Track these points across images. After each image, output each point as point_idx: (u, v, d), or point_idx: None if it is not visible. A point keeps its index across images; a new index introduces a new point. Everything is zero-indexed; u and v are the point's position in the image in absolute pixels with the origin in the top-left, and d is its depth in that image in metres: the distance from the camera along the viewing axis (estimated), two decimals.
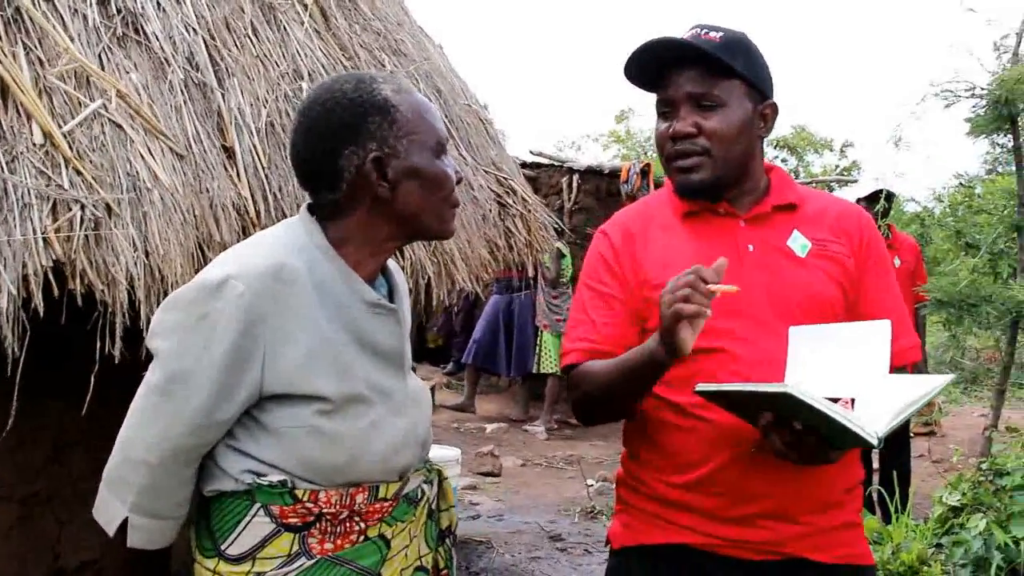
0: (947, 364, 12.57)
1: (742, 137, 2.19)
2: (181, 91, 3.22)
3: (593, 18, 50.00)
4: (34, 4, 3.07)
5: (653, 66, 2.22)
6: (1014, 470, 5.12)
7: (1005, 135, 6.30)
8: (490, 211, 4.05)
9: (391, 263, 2.06)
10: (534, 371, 10.33)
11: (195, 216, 3.01)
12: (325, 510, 1.82)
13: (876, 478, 6.02)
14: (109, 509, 1.87)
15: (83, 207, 2.79)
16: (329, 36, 3.84)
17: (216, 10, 3.51)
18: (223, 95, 3.33)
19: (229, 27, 3.51)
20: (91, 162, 2.91)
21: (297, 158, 1.92)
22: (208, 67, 3.36)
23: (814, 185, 12.99)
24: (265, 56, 3.54)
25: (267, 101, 3.41)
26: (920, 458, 7.70)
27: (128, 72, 3.16)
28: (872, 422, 1.83)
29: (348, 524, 1.84)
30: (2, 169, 2.76)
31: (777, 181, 2.30)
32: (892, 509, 5.47)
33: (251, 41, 3.53)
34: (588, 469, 8.32)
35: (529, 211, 4.30)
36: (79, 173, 2.86)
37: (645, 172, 10.91)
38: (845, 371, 1.98)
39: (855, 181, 13.48)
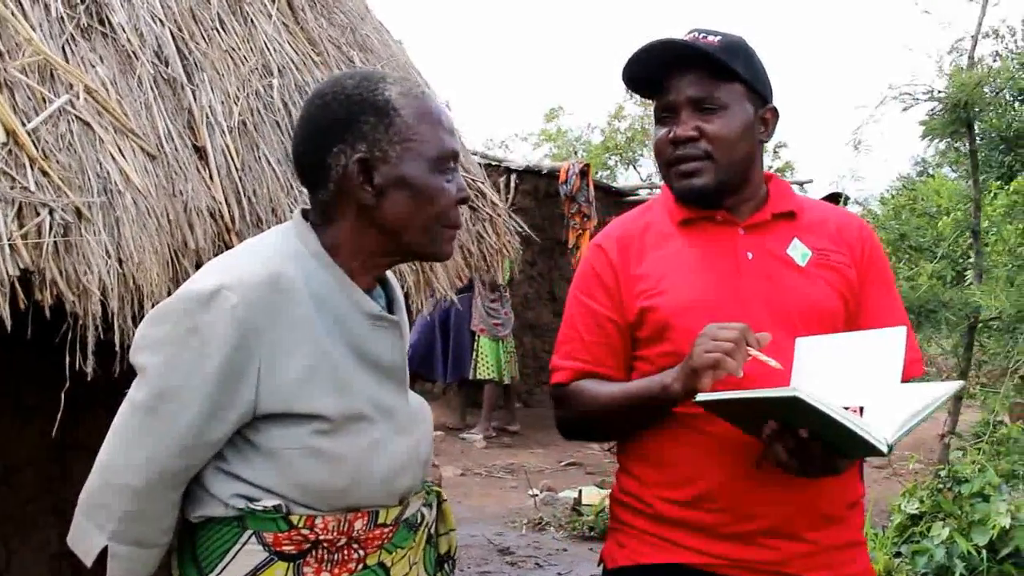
0: None
1: (744, 141, 2.19)
2: (150, 87, 3.09)
3: (519, 14, 50.07)
4: None
5: (653, 70, 2.21)
6: (972, 478, 5.23)
7: (959, 139, 6.45)
8: (462, 215, 3.98)
9: (388, 273, 1.98)
10: (471, 377, 10.27)
11: (169, 221, 2.89)
12: (322, 537, 1.74)
13: None
14: (87, 538, 1.77)
15: (51, 211, 2.65)
16: (298, 30, 3.73)
17: (182, 1, 3.38)
18: (193, 91, 3.20)
19: (196, 19, 3.38)
20: (58, 162, 2.76)
21: (293, 151, 1.89)
22: (177, 61, 3.23)
23: None
24: (233, 50, 3.42)
25: (238, 98, 3.29)
26: (874, 467, 7.85)
27: (94, 65, 3.01)
28: (881, 429, 1.82)
29: (346, 552, 1.76)
30: None
31: (775, 189, 2.31)
32: None
33: (219, 34, 3.41)
34: (531, 479, 8.30)
35: (498, 215, 4.24)
36: (46, 174, 2.71)
37: (584, 172, 10.95)
38: (854, 379, 1.98)
39: (809, 181, 13.73)
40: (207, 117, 3.18)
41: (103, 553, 1.75)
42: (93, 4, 3.14)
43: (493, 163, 11.50)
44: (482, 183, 4.26)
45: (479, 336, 10.23)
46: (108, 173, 2.82)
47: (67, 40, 3.02)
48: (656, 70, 2.20)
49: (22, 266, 2.59)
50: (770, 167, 19.68)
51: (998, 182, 9.37)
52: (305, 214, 1.87)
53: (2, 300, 2.55)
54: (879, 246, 2.33)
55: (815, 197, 6.78)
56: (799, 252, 2.21)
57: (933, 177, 14.27)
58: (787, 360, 2.03)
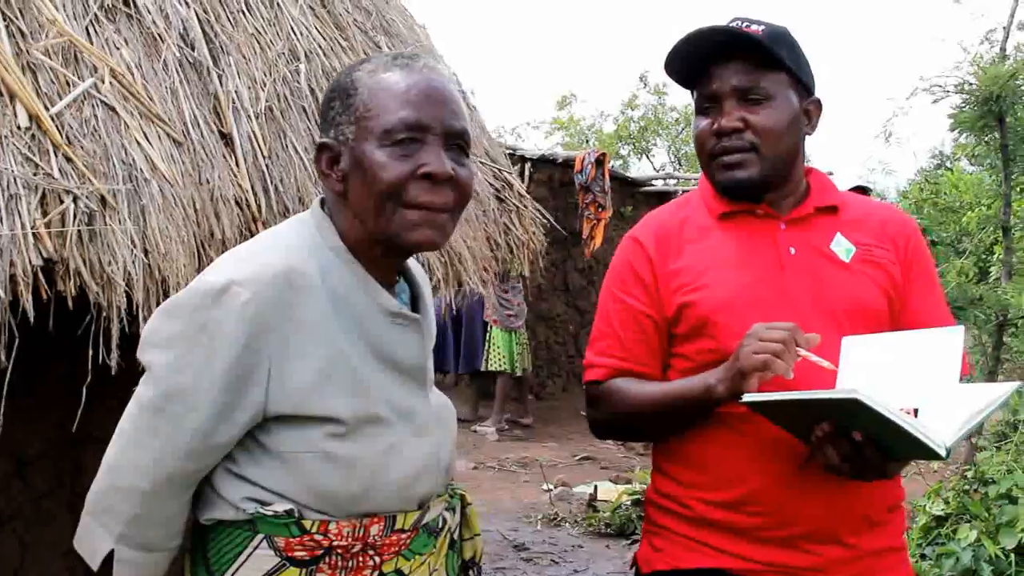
0: None
1: (790, 133, 2.15)
2: (176, 70, 3.02)
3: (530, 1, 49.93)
4: None
5: (696, 59, 2.16)
6: (1000, 479, 5.16)
7: (989, 132, 6.38)
8: (490, 206, 3.92)
9: (414, 266, 1.91)
10: (482, 368, 10.21)
11: (196, 210, 2.82)
12: (336, 543, 1.66)
13: None
14: (93, 540, 1.71)
15: (75, 199, 2.58)
16: (324, 14, 3.66)
17: None
18: (219, 76, 3.13)
19: (222, 1, 3.31)
20: (83, 148, 2.69)
21: None
22: (203, 44, 3.15)
23: None
24: (260, 33, 3.35)
25: (264, 84, 3.22)
26: None
27: (119, 48, 2.94)
28: (939, 432, 1.76)
29: (361, 558, 1.68)
30: None
31: (816, 183, 2.26)
32: None
33: (245, 17, 3.34)
34: (545, 473, 8.26)
35: (525, 206, 4.17)
36: (70, 161, 2.64)
37: (600, 162, 10.87)
38: (908, 380, 1.92)
39: (831, 173, 13.64)
40: (233, 102, 3.11)
41: (110, 555, 1.70)
42: None
43: (507, 152, 11.42)
44: (509, 173, 4.19)
45: (491, 327, 10.17)
46: (133, 160, 2.75)
47: (91, 21, 2.95)
48: (700, 59, 2.15)
49: (45, 255, 2.53)
50: None
51: None
52: (323, 203, 1.79)
53: (25, 290, 2.49)
54: (923, 242, 2.28)
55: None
56: (843, 248, 2.17)
57: (951, 171, 14.19)
58: (834, 359, 1.98)
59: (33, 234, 2.50)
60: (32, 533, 3.45)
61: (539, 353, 11.19)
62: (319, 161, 1.73)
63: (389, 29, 4.04)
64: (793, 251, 2.14)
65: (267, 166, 3.09)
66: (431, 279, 3.39)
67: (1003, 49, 6.22)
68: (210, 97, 3.11)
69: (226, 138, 3.06)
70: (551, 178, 11.39)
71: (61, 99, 2.74)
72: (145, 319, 2.64)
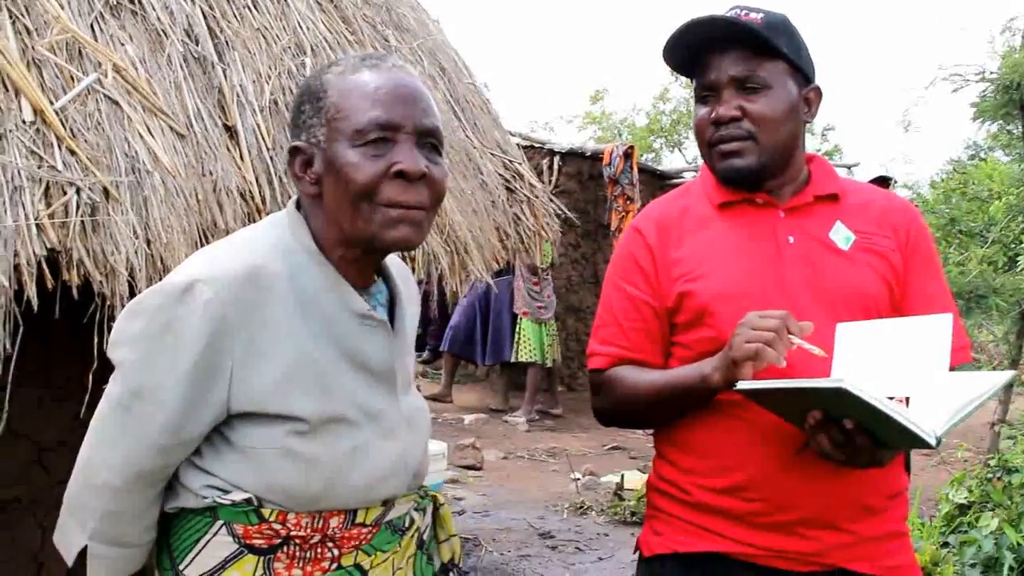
0: None
1: (788, 122, 2.13)
2: (180, 65, 3.05)
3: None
4: None
5: (694, 48, 2.15)
6: (1023, 467, 5.10)
7: (1011, 121, 6.29)
8: (499, 197, 3.92)
9: (395, 265, 1.90)
10: (512, 360, 10.21)
11: (198, 201, 2.85)
12: (294, 532, 1.65)
13: None
14: (68, 536, 1.73)
15: (79, 191, 2.62)
16: (331, 8, 3.68)
17: None
18: (224, 70, 3.16)
19: None
20: (86, 142, 2.73)
21: None
22: (207, 40, 3.18)
23: None
24: (266, 28, 3.37)
25: (269, 77, 3.24)
26: (923, 455, 7.70)
27: (123, 44, 2.98)
28: (929, 421, 1.74)
29: (320, 550, 1.68)
30: None
31: (818, 171, 2.24)
32: None
33: (251, 12, 3.36)
34: (573, 462, 8.25)
35: (536, 196, 4.17)
36: (73, 153, 2.68)
37: (628, 155, 10.84)
38: (900, 368, 1.90)
39: (856, 164, 13.52)
40: (238, 96, 3.13)
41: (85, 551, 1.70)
42: None
43: (536, 145, 11.43)
44: (519, 164, 4.19)
45: (521, 319, 10.17)
46: (136, 152, 2.79)
47: (96, 18, 2.99)
48: (697, 48, 2.14)
49: (49, 246, 2.57)
50: (818, 150, 19.46)
51: None
52: (299, 204, 1.78)
53: (30, 280, 2.53)
54: (926, 230, 2.24)
55: (863, 180, 6.67)
56: (842, 236, 2.14)
57: (985, 160, 13.99)
58: (830, 347, 1.96)
59: (37, 225, 2.54)
60: (51, 518, 3.48)
61: (569, 344, 11.18)
62: (292, 164, 1.72)
63: (400, 24, 4.06)
64: (792, 240, 2.12)
65: (271, 158, 3.12)
66: (436, 268, 3.40)
67: None
68: (214, 91, 3.14)
69: (230, 131, 3.08)
70: (580, 171, 11.37)
71: (65, 94, 2.78)
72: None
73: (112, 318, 2.68)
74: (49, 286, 2.59)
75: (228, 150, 3.03)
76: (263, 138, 3.12)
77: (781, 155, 2.13)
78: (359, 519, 1.71)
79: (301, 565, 1.67)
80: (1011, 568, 4.61)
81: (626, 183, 10.74)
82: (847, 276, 2.09)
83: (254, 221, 2.97)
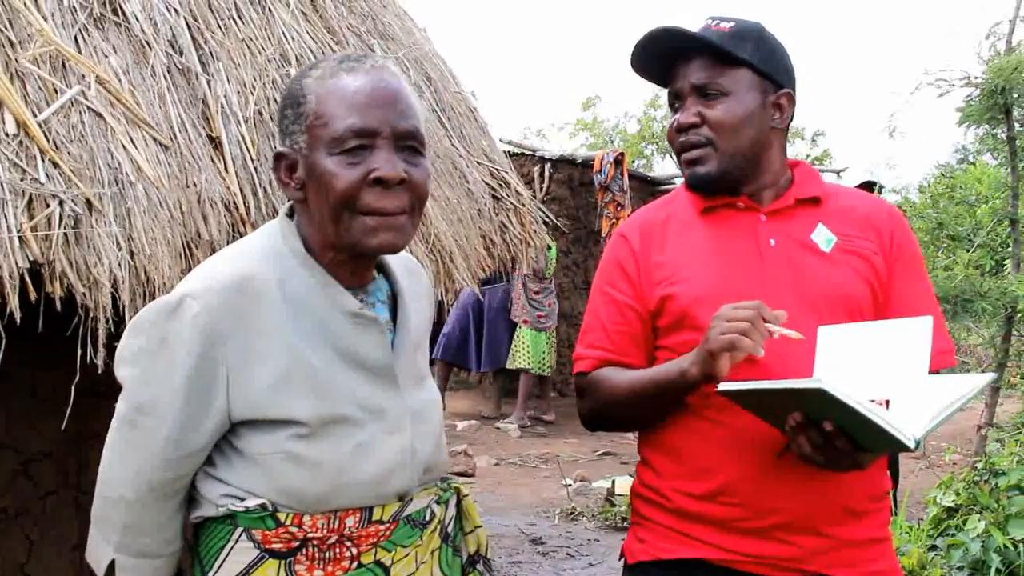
0: None
1: (748, 127, 2.13)
2: (164, 77, 3.03)
3: (557, 3, 49.84)
4: None
5: (665, 59, 2.17)
6: (1010, 470, 5.10)
7: (996, 125, 6.29)
8: (485, 205, 3.91)
9: (402, 260, 1.90)
10: (508, 366, 10.20)
11: (182, 212, 2.83)
12: (311, 534, 1.68)
13: None
14: (97, 550, 1.77)
15: (61, 203, 2.60)
16: (316, 19, 3.66)
17: None
18: (208, 81, 3.14)
19: (212, 8, 3.32)
20: (69, 154, 2.71)
21: None
22: (192, 51, 3.17)
23: None
24: (250, 39, 3.36)
25: (254, 88, 3.23)
26: (911, 458, 7.69)
27: (107, 56, 2.96)
28: (908, 424, 1.74)
29: (338, 549, 1.70)
30: None
31: (801, 175, 2.24)
32: None
33: (235, 23, 3.35)
34: (564, 468, 8.24)
35: (523, 204, 4.16)
36: (56, 166, 2.66)
37: (619, 161, 10.86)
38: (880, 370, 1.90)
39: (844, 169, 13.55)
40: (222, 107, 3.12)
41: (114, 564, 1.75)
42: None
43: (527, 152, 11.44)
44: (506, 172, 4.18)
45: (520, 326, 10.16)
46: (120, 164, 2.77)
47: (80, 30, 2.97)
48: (664, 57, 2.17)
49: (32, 258, 2.55)
50: (808, 155, 19.45)
51: None
52: (292, 209, 1.80)
53: (12, 292, 2.51)
54: (909, 233, 2.24)
55: (850, 185, 6.67)
56: (823, 238, 2.14)
57: (974, 165, 14.02)
58: (812, 348, 1.95)
59: (20, 237, 2.52)
60: (38, 530, 3.49)
61: (561, 351, 11.16)
62: (277, 170, 1.74)
63: (385, 33, 4.05)
64: (773, 242, 2.12)
65: (256, 168, 3.11)
66: None
67: (1009, 42, 6.11)
68: (199, 102, 3.13)
69: (215, 141, 3.07)
70: (571, 178, 11.38)
71: (49, 106, 2.76)
72: (131, 319, 2.66)
73: (96, 330, 2.67)
74: (32, 298, 2.58)
75: (212, 161, 3.02)
76: (248, 149, 3.10)
77: (745, 160, 2.13)
78: (375, 516, 1.73)
79: (322, 566, 1.69)
80: (998, 570, 4.60)
81: (617, 190, 10.76)
82: (829, 277, 2.09)
83: (239, 232, 2.96)
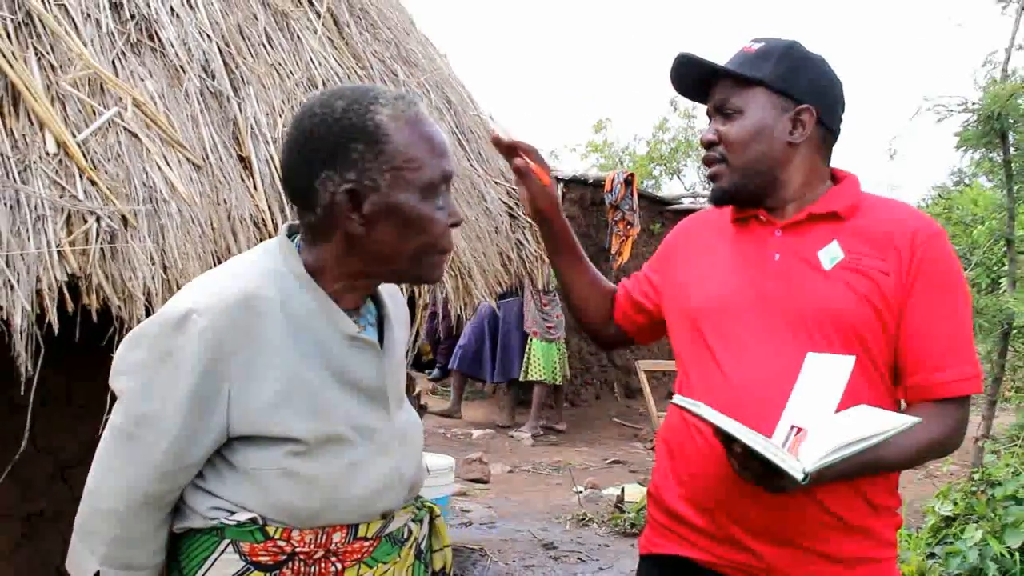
0: None
1: (757, 143, 2.09)
2: (197, 100, 3.05)
3: (569, 26, 49.93)
4: (46, 8, 2.88)
5: (698, 80, 2.19)
6: (1006, 481, 5.06)
7: (992, 150, 6.26)
8: (502, 223, 3.91)
9: (385, 287, 1.87)
10: (521, 378, 10.18)
11: (213, 228, 2.84)
12: (299, 548, 1.64)
13: None
14: (80, 562, 1.69)
15: (99, 219, 2.61)
16: (342, 45, 3.68)
17: (230, 17, 3.33)
18: (239, 104, 3.15)
19: (243, 34, 3.33)
20: (106, 172, 2.73)
21: (282, 168, 1.75)
22: (223, 75, 3.18)
23: None
24: (280, 64, 3.37)
25: (283, 111, 3.24)
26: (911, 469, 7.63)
27: (143, 79, 2.98)
28: (808, 456, 1.72)
29: (323, 564, 1.66)
30: (15, 179, 2.57)
31: (836, 190, 2.14)
32: None
33: (265, 49, 3.36)
34: (576, 476, 8.21)
35: None
36: (94, 183, 2.68)
37: (629, 182, 10.83)
38: (811, 401, 1.87)
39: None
40: (252, 128, 3.13)
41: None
42: (143, 20, 3.11)
43: None
44: None
45: (532, 338, 10.14)
46: (154, 182, 2.78)
47: (117, 55, 2.99)
48: (698, 80, 2.19)
49: (70, 272, 2.56)
50: None
51: None
52: (291, 229, 1.75)
53: (51, 304, 2.52)
54: (941, 249, 2.05)
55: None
56: (829, 255, 2.05)
57: (970, 187, 13.94)
58: (793, 369, 1.92)
59: (58, 252, 2.53)
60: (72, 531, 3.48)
61: (573, 362, 11.13)
62: (344, 203, 1.64)
63: (408, 58, 4.05)
64: (777, 257, 2.07)
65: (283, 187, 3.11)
66: (441, 292, 3.39)
67: (1005, 70, 6.09)
68: (230, 124, 3.14)
69: (244, 161, 3.08)
70: (583, 197, 11.35)
71: (87, 127, 2.77)
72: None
73: None
74: (70, 311, 2.58)
75: (242, 180, 3.02)
76: (276, 168, 3.11)
77: (758, 175, 2.09)
78: (360, 533, 1.70)
79: None
80: None
81: (627, 209, 10.73)
82: (819, 294, 2.00)
83: None
